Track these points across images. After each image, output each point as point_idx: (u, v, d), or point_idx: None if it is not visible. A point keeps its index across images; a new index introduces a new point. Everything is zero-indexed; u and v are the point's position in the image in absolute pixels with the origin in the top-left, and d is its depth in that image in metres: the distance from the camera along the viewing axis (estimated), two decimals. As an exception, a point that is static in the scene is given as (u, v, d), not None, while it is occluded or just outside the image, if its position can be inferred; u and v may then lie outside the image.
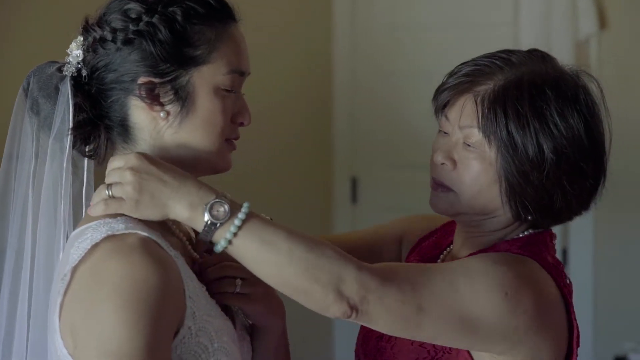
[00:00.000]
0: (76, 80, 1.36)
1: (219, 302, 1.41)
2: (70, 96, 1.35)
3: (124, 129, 1.37)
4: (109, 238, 1.27)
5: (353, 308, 1.32)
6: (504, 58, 1.48)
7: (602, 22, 3.41)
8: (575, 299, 1.52)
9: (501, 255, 1.43)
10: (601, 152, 1.48)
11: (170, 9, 1.34)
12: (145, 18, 1.34)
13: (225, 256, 1.35)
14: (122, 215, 1.31)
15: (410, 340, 1.46)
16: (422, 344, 1.47)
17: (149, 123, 1.36)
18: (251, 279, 1.39)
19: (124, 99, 1.36)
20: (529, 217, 1.46)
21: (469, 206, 1.48)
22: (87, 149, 1.39)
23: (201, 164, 1.39)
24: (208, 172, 1.42)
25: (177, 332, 1.29)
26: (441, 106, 1.52)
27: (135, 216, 1.30)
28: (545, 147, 1.42)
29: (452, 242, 1.61)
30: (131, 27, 1.34)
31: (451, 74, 1.52)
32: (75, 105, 1.35)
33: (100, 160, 1.39)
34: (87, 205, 1.37)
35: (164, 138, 1.37)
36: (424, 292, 1.35)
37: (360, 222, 4.03)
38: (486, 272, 1.38)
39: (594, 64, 3.36)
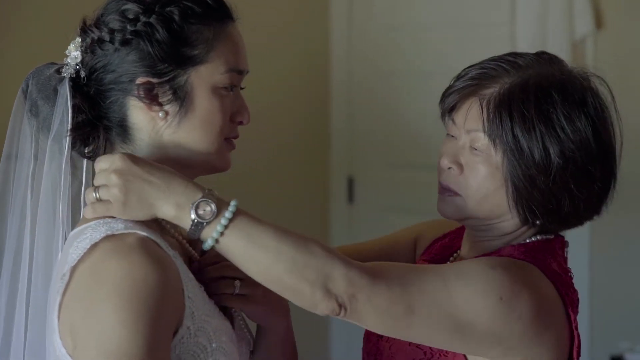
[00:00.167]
0: (75, 81, 1.36)
1: (218, 303, 1.41)
2: (69, 97, 1.35)
3: (123, 130, 1.37)
4: (108, 238, 1.27)
5: (341, 306, 1.32)
6: (511, 61, 1.47)
7: (599, 22, 3.41)
8: (573, 299, 1.51)
9: (500, 260, 1.42)
10: (610, 156, 1.46)
11: (168, 9, 1.35)
12: (142, 18, 1.34)
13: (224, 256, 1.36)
14: None
15: (407, 341, 1.45)
16: (419, 345, 1.46)
17: (148, 123, 1.36)
18: (250, 280, 1.38)
19: (122, 100, 1.36)
20: (537, 222, 1.45)
21: (476, 210, 1.47)
22: (86, 150, 1.40)
23: (200, 163, 1.39)
24: (207, 172, 1.42)
25: (176, 332, 1.29)
26: (447, 109, 1.51)
27: (123, 217, 1.30)
28: (551, 150, 1.41)
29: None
30: (129, 27, 1.34)
31: (458, 77, 1.51)
32: (74, 107, 1.35)
33: None
34: (86, 206, 1.37)
35: (162, 138, 1.37)
36: (415, 293, 1.34)
37: (356, 221, 4.03)
38: (481, 276, 1.37)
39: (590, 63, 3.35)
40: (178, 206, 1.29)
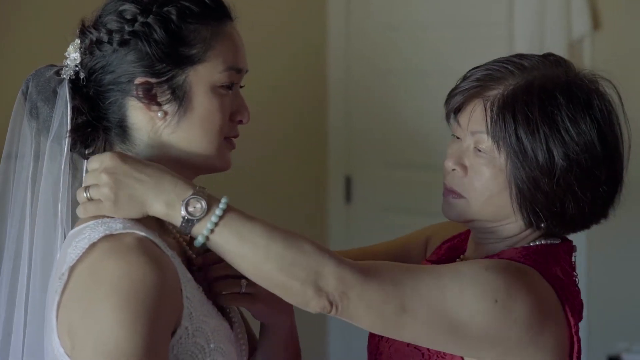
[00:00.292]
0: (74, 83, 1.37)
1: (223, 303, 1.42)
2: (68, 99, 1.35)
3: (122, 130, 1.38)
4: (106, 237, 1.27)
5: (332, 303, 1.32)
6: (516, 62, 1.46)
7: (596, 22, 3.42)
8: (570, 299, 1.51)
9: (496, 262, 1.41)
10: (616, 159, 1.45)
11: (165, 8, 1.35)
12: (140, 18, 1.34)
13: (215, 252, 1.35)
14: None
15: (406, 342, 1.45)
16: (417, 347, 1.46)
17: (147, 123, 1.37)
18: None
19: (121, 100, 1.36)
20: (542, 225, 1.44)
21: (480, 213, 1.46)
22: (86, 152, 1.40)
23: (200, 163, 1.39)
24: (207, 171, 1.42)
25: (174, 332, 1.29)
26: (452, 110, 1.51)
27: (114, 216, 1.30)
28: (555, 153, 1.40)
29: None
30: (126, 28, 1.34)
31: (464, 78, 1.50)
32: (73, 108, 1.35)
33: None
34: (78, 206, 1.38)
35: (161, 138, 1.37)
36: (408, 293, 1.34)
37: (354, 221, 4.03)
38: (476, 278, 1.36)
39: (587, 64, 3.36)
40: (168, 204, 1.30)
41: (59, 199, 1.36)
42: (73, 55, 1.37)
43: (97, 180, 1.31)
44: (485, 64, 1.49)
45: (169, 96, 1.36)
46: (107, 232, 1.28)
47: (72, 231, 1.34)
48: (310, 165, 4.03)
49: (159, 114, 1.36)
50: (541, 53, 1.51)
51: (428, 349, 1.45)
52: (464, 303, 1.35)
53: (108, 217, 1.31)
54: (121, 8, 1.36)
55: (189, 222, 1.29)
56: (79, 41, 1.37)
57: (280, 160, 3.85)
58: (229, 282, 1.42)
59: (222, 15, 1.39)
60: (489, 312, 1.35)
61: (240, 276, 1.39)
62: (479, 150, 1.45)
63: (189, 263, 1.40)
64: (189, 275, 1.34)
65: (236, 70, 1.39)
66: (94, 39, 1.36)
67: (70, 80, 1.36)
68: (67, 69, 1.37)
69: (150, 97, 1.35)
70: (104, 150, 1.39)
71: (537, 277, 1.41)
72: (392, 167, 3.93)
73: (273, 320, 1.50)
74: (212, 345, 1.33)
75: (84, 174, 1.39)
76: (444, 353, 1.44)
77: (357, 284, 1.32)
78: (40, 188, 1.38)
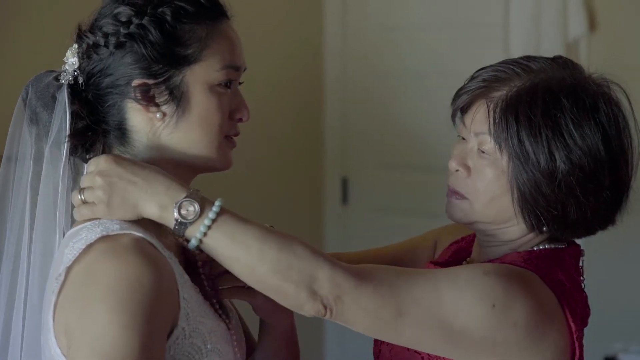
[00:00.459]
0: (73, 87, 1.37)
1: (224, 297, 1.42)
2: (67, 104, 1.36)
3: (121, 133, 1.38)
4: (103, 238, 1.28)
5: (327, 307, 1.32)
6: (523, 64, 1.45)
7: (592, 23, 3.42)
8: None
9: (496, 266, 1.40)
10: (621, 164, 1.43)
11: (160, 9, 1.35)
12: (135, 20, 1.35)
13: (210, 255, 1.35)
14: None
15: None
16: (417, 350, 1.44)
17: (145, 125, 1.37)
18: None
19: (120, 103, 1.37)
20: (544, 228, 1.43)
21: (483, 214, 1.45)
22: (88, 157, 1.40)
23: (201, 162, 1.39)
24: (208, 171, 1.42)
25: (170, 333, 1.29)
26: (458, 110, 1.50)
27: (109, 218, 1.30)
28: (557, 156, 1.38)
29: None
30: (122, 30, 1.35)
31: (471, 78, 1.49)
32: (73, 113, 1.36)
33: None
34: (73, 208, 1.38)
35: (161, 139, 1.37)
36: (404, 297, 1.33)
37: (350, 223, 4.03)
38: (474, 282, 1.35)
39: (583, 65, 3.35)
40: (161, 206, 1.30)
41: (57, 204, 1.36)
42: (71, 60, 1.38)
43: (92, 182, 1.31)
44: (493, 65, 1.48)
45: (166, 97, 1.36)
46: (104, 233, 1.28)
47: (69, 232, 1.34)
48: (307, 167, 4.03)
49: (158, 115, 1.36)
50: (537, 54, 1.51)
51: (428, 353, 1.44)
52: (461, 307, 1.34)
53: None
54: (116, 11, 1.36)
55: (182, 224, 1.29)
56: (76, 46, 1.38)
57: (276, 162, 3.85)
58: (231, 276, 1.41)
59: (218, 13, 1.40)
60: (487, 316, 1.34)
61: None
62: (483, 152, 1.44)
63: (186, 264, 1.40)
64: (186, 276, 1.34)
65: (234, 68, 1.39)
66: (91, 42, 1.36)
67: (69, 85, 1.37)
68: (65, 74, 1.38)
69: (148, 99, 1.35)
70: (103, 153, 1.40)
71: (537, 282, 1.39)
72: (388, 168, 3.93)
73: (275, 317, 1.50)
74: (209, 346, 1.33)
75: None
76: (444, 358, 1.42)
77: (352, 287, 1.32)
78: (40, 192, 1.38)
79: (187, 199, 1.29)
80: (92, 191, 1.31)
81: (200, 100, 1.37)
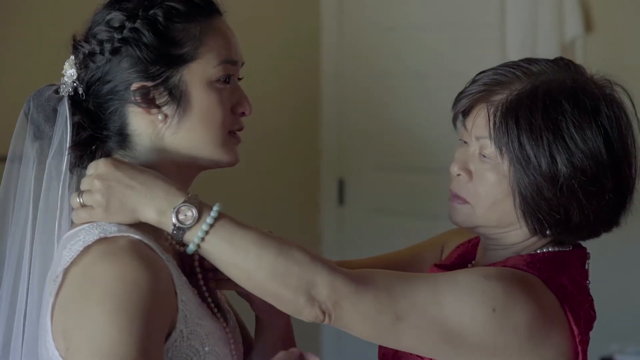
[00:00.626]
0: (74, 99, 1.37)
1: (223, 288, 1.43)
2: (68, 116, 1.36)
3: (122, 138, 1.38)
4: (101, 240, 1.28)
5: (325, 313, 1.31)
6: (524, 67, 1.44)
7: (588, 24, 3.42)
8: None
9: (497, 270, 1.39)
10: (624, 166, 1.41)
11: (151, 11, 1.36)
12: (128, 25, 1.35)
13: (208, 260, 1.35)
14: None
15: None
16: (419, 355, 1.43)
17: (148, 128, 1.37)
18: None
19: (121, 108, 1.37)
20: (547, 232, 1.42)
21: (485, 219, 1.45)
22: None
23: (206, 160, 1.40)
24: (214, 167, 1.42)
25: (168, 335, 1.29)
26: (458, 113, 1.50)
27: (107, 222, 1.30)
28: (558, 159, 1.38)
29: None
30: (116, 36, 1.35)
31: (472, 82, 1.48)
32: (76, 124, 1.36)
33: None
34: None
35: (164, 140, 1.38)
36: (403, 302, 1.32)
37: (347, 224, 4.03)
38: (474, 286, 1.34)
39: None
40: (159, 211, 1.30)
41: (57, 217, 1.36)
42: (69, 71, 1.38)
43: (90, 186, 1.31)
44: (494, 68, 1.47)
45: (166, 97, 1.36)
46: (102, 235, 1.28)
47: (67, 234, 1.34)
48: (303, 168, 4.03)
49: (160, 117, 1.36)
50: (534, 55, 1.50)
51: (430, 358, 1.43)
52: (462, 312, 1.33)
53: None
54: (108, 17, 1.36)
55: (180, 229, 1.29)
56: (73, 57, 1.39)
57: (273, 163, 3.84)
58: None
59: (210, 10, 1.40)
60: (487, 321, 1.33)
61: None
62: (484, 156, 1.43)
63: (184, 266, 1.40)
64: (184, 278, 1.34)
65: (231, 63, 1.39)
66: (87, 52, 1.37)
67: (70, 97, 1.37)
68: (65, 86, 1.38)
69: (148, 101, 1.36)
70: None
71: (539, 285, 1.38)
72: (385, 169, 3.93)
73: (273, 315, 1.49)
74: (206, 348, 1.33)
75: None
76: None
77: (351, 293, 1.31)
78: (41, 202, 1.38)
79: (185, 204, 1.29)
80: (91, 195, 1.31)
81: (201, 98, 1.37)
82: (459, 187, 1.47)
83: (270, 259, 1.30)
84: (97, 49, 1.36)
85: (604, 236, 1.49)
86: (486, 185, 1.43)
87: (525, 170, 1.39)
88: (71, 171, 1.38)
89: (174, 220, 1.29)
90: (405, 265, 1.61)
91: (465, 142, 1.48)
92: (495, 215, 1.44)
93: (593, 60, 3.36)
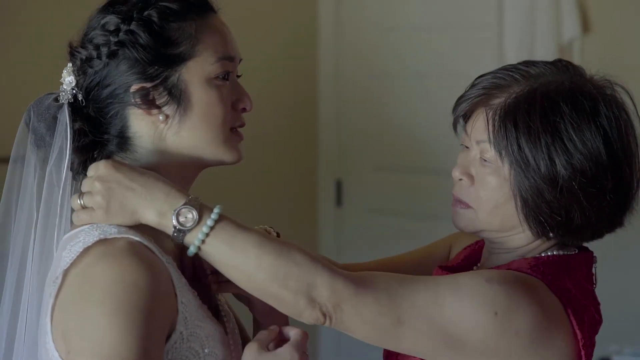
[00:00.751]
0: (74, 106, 1.37)
1: (222, 291, 1.43)
2: (68, 123, 1.36)
3: (123, 140, 1.38)
4: (100, 242, 1.28)
5: (326, 315, 1.31)
6: (522, 70, 1.44)
7: (586, 25, 3.43)
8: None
9: (500, 273, 1.39)
10: (624, 167, 1.41)
11: (146, 12, 1.36)
12: (123, 27, 1.35)
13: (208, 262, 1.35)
14: None
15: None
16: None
17: (149, 129, 1.37)
18: None
19: (122, 111, 1.37)
20: (550, 235, 1.42)
21: (488, 223, 1.44)
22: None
23: (209, 158, 1.40)
24: (217, 165, 1.41)
25: (168, 337, 1.29)
26: (458, 117, 1.50)
27: (107, 224, 1.30)
28: (557, 162, 1.37)
29: None
30: (112, 39, 1.35)
31: (472, 86, 1.48)
32: (77, 131, 1.36)
33: None
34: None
35: (166, 141, 1.38)
36: (404, 305, 1.32)
37: (344, 225, 4.03)
38: (476, 290, 1.34)
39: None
40: (160, 213, 1.30)
41: (56, 225, 1.36)
42: (68, 79, 1.38)
43: (91, 187, 1.31)
44: (493, 71, 1.47)
45: (166, 97, 1.36)
46: (102, 237, 1.28)
47: (67, 235, 1.34)
48: (301, 169, 4.03)
49: (160, 117, 1.36)
50: (531, 57, 1.50)
51: None
52: (463, 315, 1.33)
53: None
54: (103, 21, 1.36)
55: (181, 232, 1.29)
56: (70, 64, 1.38)
57: (270, 164, 3.84)
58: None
59: (204, 8, 1.40)
60: (489, 324, 1.32)
61: None
62: (485, 160, 1.43)
63: (184, 268, 1.40)
64: (184, 280, 1.34)
65: (228, 59, 1.39)
66: (84, 57, 1.37)
67: (70, 104, 1.37)
68: (64, 93, 1.38)
69: (148, 102, 1.36)
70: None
71: (542, 289, 1.38)
72: (382, 170, 3.93)
73: (272, 317, 1.48)
74: (206, 350, 1.33)
75: None
76: None
77: (351, 295, 1.31)
78: (41, 208, 1.38)
79: (185, 206, 1.29)
80: (91, 196, 1.31)
81: (200, 96, 1.37)
82: (461, 191, 1.47)
83: (271, 261, 1.30)
84: (94, 53, 1.36)
85: (604, 238, 1.49)
86: (487, 190, 1.43)
87: (525, 173, 1.39)
88: (75, 178, 1.38)
89: (174, 222, 1.29)
90: (416, 267, 1.61)
91: (466, 147, 1.48)
92: (497, 219, 1.44)
93: (590, 61, 3.35)
